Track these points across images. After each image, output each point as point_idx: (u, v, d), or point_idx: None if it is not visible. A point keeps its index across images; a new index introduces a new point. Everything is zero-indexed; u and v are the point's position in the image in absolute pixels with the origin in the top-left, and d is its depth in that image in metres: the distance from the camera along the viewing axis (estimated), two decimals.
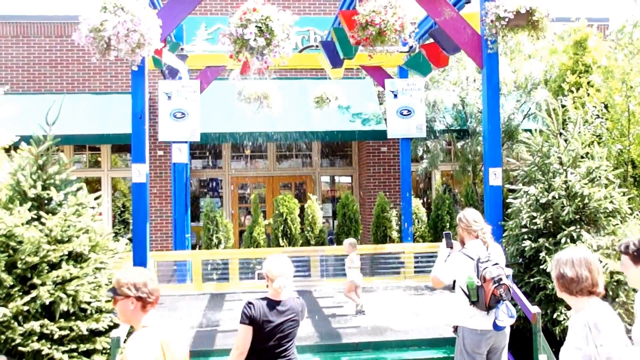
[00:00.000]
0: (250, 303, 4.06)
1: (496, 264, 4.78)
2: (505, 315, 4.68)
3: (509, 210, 6.98)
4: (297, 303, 4.21)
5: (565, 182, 6.54)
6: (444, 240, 5.13)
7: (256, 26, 5.79)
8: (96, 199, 6.01)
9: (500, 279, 4.64)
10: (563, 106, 8.09)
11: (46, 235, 5.33)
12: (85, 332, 5.19)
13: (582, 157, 6.74)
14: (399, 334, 6.89)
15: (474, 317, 4.76)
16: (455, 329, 4.96)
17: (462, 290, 4.79)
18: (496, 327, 4.73)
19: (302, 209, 11.64)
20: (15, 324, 5.02)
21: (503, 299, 4.67)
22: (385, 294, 9.20)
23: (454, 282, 4.94)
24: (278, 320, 4.05)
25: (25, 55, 14.17)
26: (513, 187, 7.19)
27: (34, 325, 5.01)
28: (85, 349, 5.19)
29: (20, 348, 4.97)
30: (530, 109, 11.81)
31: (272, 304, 4.07)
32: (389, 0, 6.22)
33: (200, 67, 10.16)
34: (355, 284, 7.99)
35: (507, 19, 6.29)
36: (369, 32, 6.19)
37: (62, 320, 5.17)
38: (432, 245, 10.58)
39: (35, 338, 5.01)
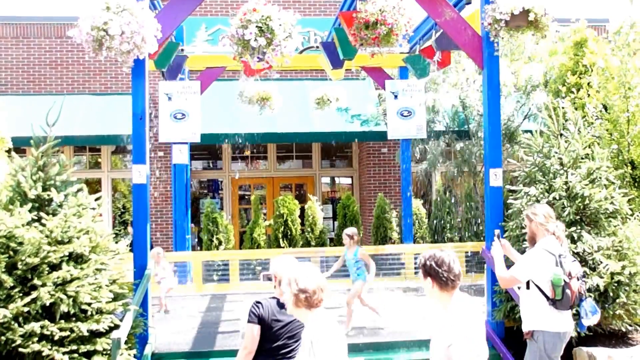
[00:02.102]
0: (258, 302, 4.05)
1: (574, 260, 4.66)
2: (590, 313, 4.58)
3: (510, 211, 6.98)
4: None
5: (566, 183, 6.54)
6: (496, 239, 5.02)
7: (256, 26, 5.80)
8: (96, 200, 6.00)
9: (584, 276, 4.53)
10: (563, 107, 8.09)
11: (47, 236, 5.32)
12: (86, 333, 5.17)
13: (582, 158, 6.74)
14: (400, 335, 6.89)
15: (553, 318, 4.54)
16: (531, 334, 4.67)
17: (539, 288, 4.57)
18: (581, 326, 4.60)
19: (302, 210, 11.64)
20: (16, 325, 5.01)
21: (585, 296, 4.58)
22: (385, 294, 9.20)
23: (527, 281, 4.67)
24: (287, 320, 4.04)
25: (25, 57, 14.17)
26: (513, 188, 7.18)
27: (35, 326, 5.00)
28: (85, 350, 5.18)
29: (20, 349, 4.96)
30: (530, 110, 11.82)
31: (281, 304, 4.06)
32: (397, 1, 6.22)
33: (201, 68, 10.16)
34: (170, 287, 8.65)
35: (503, 21, 6.30)
36: (378, 32, 6.17)
37: (62, 321, 5.16)
38: (433, 246, 10.58)
39: (35, 339, 5.00)
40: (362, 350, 6.63)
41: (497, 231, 5.25)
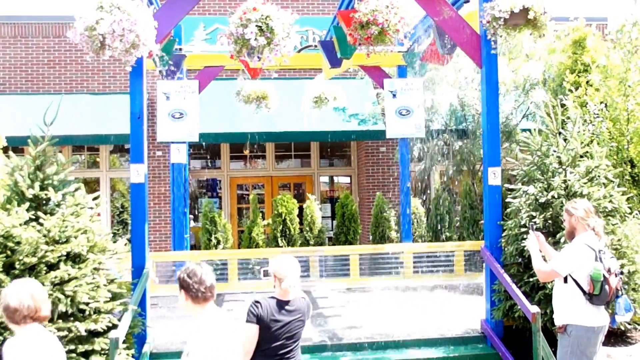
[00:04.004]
0: (257, 302, 4.02)
1: (612, 257, 4.65)
2: (624, 310, 4.56)
3: (508, 210, 6.97)
4: (303, 303, 4.18)
5: (565, 181, 6.53)
6: (531, 232, 5.01)
7: (256, 25, 5.78)
8: (94, 199, 5.99)
9: (622, 272, 4.52)
10: (562, 105, 8.09)
11: (44, 235, 5.31)
12: (84, 333, 5.16)
13: (581, 157, 6.74)
14: (398, 334, 6.88)
15: (588, 313, 4.53)
16: (564, 328, 4.66)
17: (577, 283, 4.55)
18: (613, 322, 4.59)
19: (301, 209, 11.63)
20: None
21: (621, 293, 4.56)
22: (384, 294, 9.19)
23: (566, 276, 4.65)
24: (285, 320, 4.01)
25: (23, 56, 14.15)
26: (512, 186, 7.18)
27: None
28: (83, 349, 5.17)
29: None
30: (529, 108, 11.81)
31: (280, 304, 4.05)
32: (391, 0, 6.21)
33: (199, 67, 10.14)
34: None
35: (502, 19, 6.30)
36: (370, 32, 6.16)
37: (60, 321, 5.15)
38: (431, 245, 10.57)
39: None
40: (360, 350, 6.63)
41: (533, 223, 5.21)
